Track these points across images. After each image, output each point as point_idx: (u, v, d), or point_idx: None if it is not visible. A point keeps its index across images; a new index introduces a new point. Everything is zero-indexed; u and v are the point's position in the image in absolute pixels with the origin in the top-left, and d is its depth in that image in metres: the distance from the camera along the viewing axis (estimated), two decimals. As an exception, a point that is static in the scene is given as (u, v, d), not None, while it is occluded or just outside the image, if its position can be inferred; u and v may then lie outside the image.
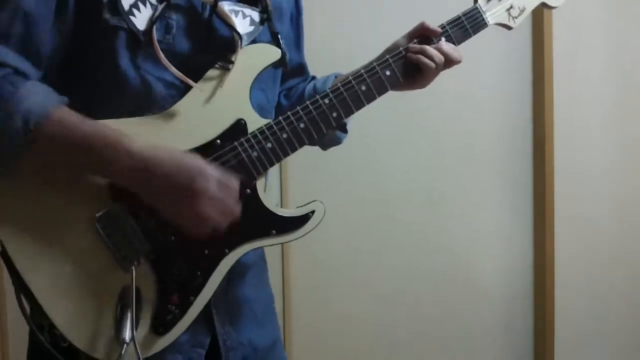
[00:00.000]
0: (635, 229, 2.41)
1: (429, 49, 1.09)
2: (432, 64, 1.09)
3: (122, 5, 0.96)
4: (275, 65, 1.06)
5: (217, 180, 0.92)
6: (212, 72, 1.00)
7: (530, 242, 2.30)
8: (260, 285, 1.18)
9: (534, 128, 2.26)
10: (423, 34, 1.12)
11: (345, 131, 1.25)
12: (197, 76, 0.99)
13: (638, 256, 2.42)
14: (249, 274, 1.13)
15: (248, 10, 1.06)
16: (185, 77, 0.97)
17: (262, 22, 1.07)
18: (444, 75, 2.31)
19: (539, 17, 2.20)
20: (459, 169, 2.20)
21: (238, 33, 1.01)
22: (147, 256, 0.96)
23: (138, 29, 0.96)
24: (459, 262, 2.22)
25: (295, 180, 1.97)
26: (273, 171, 1.94)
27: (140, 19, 0.97)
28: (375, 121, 2.05)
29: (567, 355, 2.32)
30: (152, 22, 0.96)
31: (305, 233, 1.05)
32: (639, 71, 2.37)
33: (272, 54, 1.04)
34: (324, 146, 1.28)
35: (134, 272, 0.94)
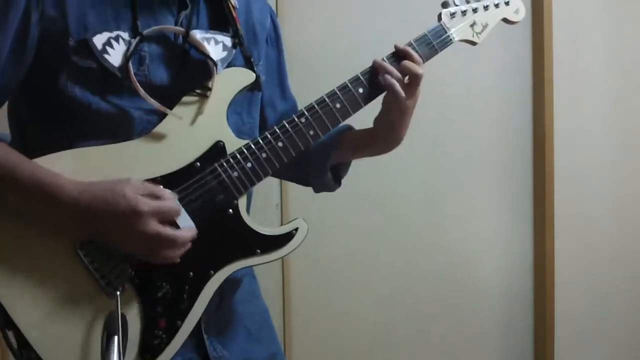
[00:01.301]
0: (635, 229, 2.41)
1: (387, 65, 1.09)
2: (392, 79, 1.08)
3: (95, 46, 0.96)
4: (250, 88, 1.08)
5: (152, 215, 0.92)
6: (189, 98, 1.02)
7: (530, 242, 2.30)
8: (251, 300, 1.18)
9: (534, 128, 2.26)
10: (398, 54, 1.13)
11: (339, 183, 1.27)
12: (175, 102, 1.01)
13: (638, 256, 2.42)
14: (238, 290, 1.13)
15: (220, 37, 1.08)
16: (165, 108, 0.98)
17: (234, 46, 1.09)
18: (444, 75, 2.32)
19: (539, 17, 2.20)
20: (459, 169, 2.19)
21: (212, 59, 1.03)
22: (131, 281, 0.96)
23: (113, 66, 0.97)
24: (459, 262, 2.22)
25: (295, 184, 1.97)
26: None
27: (115, 56, 0.97)
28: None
29: (567, 355, 2.32)
30: (127, 57, 0.97)
31: (290, 251, 1.06)
32: (639, 71, 2.37)
33: (246, 77, 1.06)
34: (318, 188, 1.28)
35: (118, 298, 0.93)
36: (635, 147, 2.39)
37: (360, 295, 2.11)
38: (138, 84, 0.96)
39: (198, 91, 1.02)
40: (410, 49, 1.10)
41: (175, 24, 1.03)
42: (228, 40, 1.08)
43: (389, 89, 1.08)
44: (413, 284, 2.17)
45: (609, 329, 2.40)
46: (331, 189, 1.27)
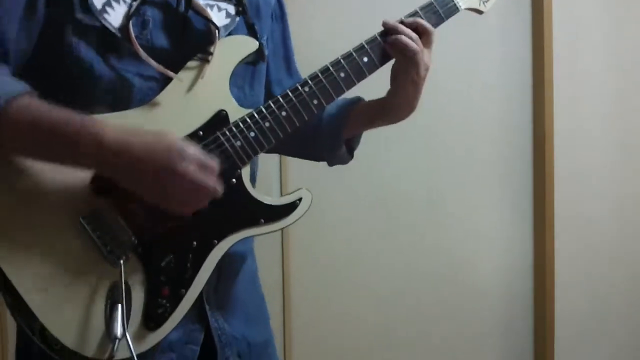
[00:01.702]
0: (635, 229, 2.41)
1: (401, 26, 1.09)
2: (409, 40, 1.08)
3: (94, 4, 0.95)
4: (253, 58, 1.07)
5: (196, 161, 0.90)
6: (191, 64, 1.00)
7: (530, 242, 2.30)
8: (251, 288, 1.18)
9: (534, 128, 2.26)
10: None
11: (352, 155, 1.28)
12: (176, 70, 0.99)
13: (638, 256, 2.42)
14: (240, 275, 1.13)
15: (223, 4, 1.07)
16: (165, 69, 0.97)
17: (237, 14, 1.08)
18: (445, 75, 2.32)
19: (539, 17, 2.20)
20: (459, 169, 2.19)
21: (215, 25, 1.01)
22: (134, 250, 0.95)
23: (113, 26, 0.96)
24: (459, 262, 2.22)
25: (295, 180, 1.97)
26: (273, 172, 1.96)
27: (115, 17, 0.96)
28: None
29: (567, 355, 2.32)
30: (127, 18, 0.96)
31: (293, 221, 1.04)
32: (639, 71, 2.37)
33: (249, 44, 1.04)
34: (332, 162, 1.29)
35: (122, 267, 0.93)
36: (635, 147, 2.39)
37: (360, 295, 2.11)
38: (138, 46, 0.95)
39: (200, 56, 1.00)
40: (401, 27, 1.10)
41: None
42: (231, 8, 1.07)
43: (403, 48, 1.07)
44: (413, 284, 2.17)
45: (609, 329, 2.40)
46: (345, 161, 1.28)
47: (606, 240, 2.38)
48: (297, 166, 1.95)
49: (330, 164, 1.30)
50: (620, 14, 2.34)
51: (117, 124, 0.91)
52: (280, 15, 1.23)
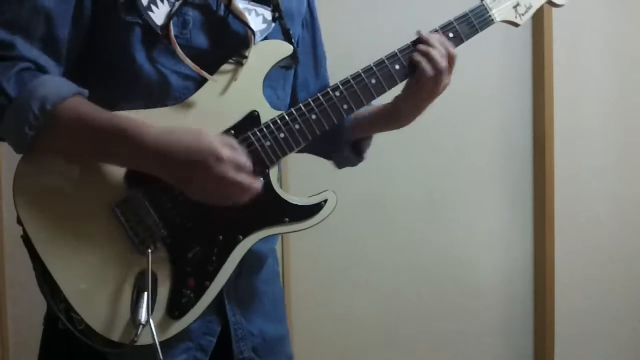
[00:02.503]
0: (635, 229, 2.41)
1: (434, 39, 1.11)
2: (439, 56, 1.09)
3: (140, 1, 0.99)
4: (287, 62, 1.10)
5: (231, 162, 0.94)
6: (227, 67, 1.03)
7: (530, 242, 2.30)
8: (271, 282, 1.21)
9: (534, 128, 2.27)
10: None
11: (361, 158, 1.29)
12: (212, 70, 1.02)
13: (638, 256, 2.42)
14: (261, 269, 1.16)
15: (260, 9, 1.09)
16: (200, 69, 1.00)
17: (273, 20, 1.10)
18: (444, 75, 2.29)
19: (539, 17, 2.20)
20: (459, 169, 2.20)
21: (251, 29, 1.04)
22: (163, 240, 0.99)
23: (156, 24, 0.99)
24: (459, 262, 2.22)
25: (295, 180, 1.97)
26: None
27: (158, 14, 0.99)
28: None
29: (567, 355, 2.32)
30: (169, 17, 0.99)
31: (318, 221, 1.09)
32: (639, 71, 2.37)
33: (284, 49, 1.07)
34: (339, 164, 1.32)
35: (149, 255, 0.96)
36: (635, 147, 2.39)
37: (361, 294, 2.11)
38: (177, 45, 0.98)
39: (235, 59, 1.04)
40: (433, 39, 1.11)
41: None
42: (268, 14, 1.10)
43: (432, 61, 1.09)
44: (413, 284, 2.17)
45: (609, 328, 2.40)
46: (353, 163, 1.30)
47: (606, 240, 2.38)
48: (298, 166, 1.96)
49: (338, 166, 1.33)
50: (620, 14, 2.34)
51: (158, 125, 0.94)
52: (311, 23, 1.26)
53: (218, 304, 1.06)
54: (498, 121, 2.24)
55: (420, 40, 1.11)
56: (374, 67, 1.09)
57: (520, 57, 2.25)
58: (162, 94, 1.01)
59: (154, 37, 0.99)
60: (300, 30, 1.22)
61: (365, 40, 2.00)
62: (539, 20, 2.21)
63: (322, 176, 2.04)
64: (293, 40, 1.12)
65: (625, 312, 2.42)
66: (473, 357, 2.26)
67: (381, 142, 2.10)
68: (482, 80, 2.21)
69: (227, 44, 1.04)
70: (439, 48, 1.10)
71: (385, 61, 1.10)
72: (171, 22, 0.99)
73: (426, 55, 1.09)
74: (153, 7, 1.00)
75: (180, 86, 1.01)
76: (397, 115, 1.18)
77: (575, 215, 2.31)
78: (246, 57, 1.03)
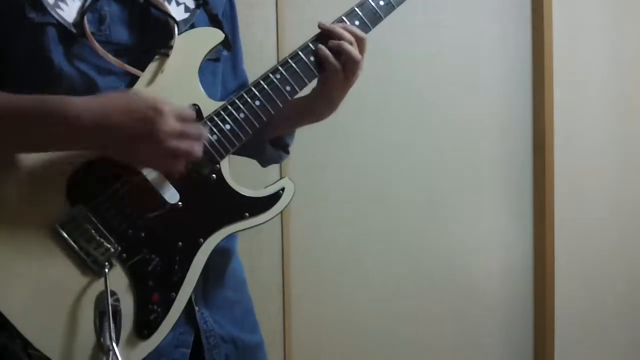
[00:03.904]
0: (635, 229, 2.41)
1: (340, 30, 1.06)
2: (351, 47, 1.04)
3: (47, 0, 0.92)
4: (217, 52, 1.05)
5: (172, 113, 0.88)
6: (155, 61, 0.98)
7: (530, 242, 2.30)
8: (240, 290, 1.16)
9: (534, 128, 2.26)
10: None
11: (287, 152, 1.22)
12: (140, 65, 0.97)
13: (638, 256, 2.42)
14: (228, 278, 1.12)
15: None
16: (125, 65, 0.95)
17: (197, 7, 1.06)
18: (445, 75, 2.32)
19: (539, 18, 2.20)
20: (459, 170, 2.19)
21: (173, 18, 1.00)
22: (118, 257, 0.93)
23: (68, 22, 0.93)
24: (459, 262, 2.22)
25: (296, 181, 1.97)
26: (273, 173, 1.96)
27: (69, 11, 0.94)
28: (375, 122, 2.05)
29: (567, 355, 2.32)
30: (82, 13, 0.93)
31: (278, 212, 1.02)
32: (639, 71, 2.37)
33: (215, 36, 1.02)
34: (264, 163, 1.25)
35: (107, 275, 0.90)
36: (635, 147, 2.39)
37: (361, 295, 2.11)
38: (95, 41, 0.93)
39: (162, 51, 0.98)
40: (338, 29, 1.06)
41: None
42: (190, 2, 1.05)
43: (346, 55, 1.03)
44: (413, 284, 2.17)
45: (609, 328, 2.40)
46: (278, 160, 1.23)
47: (606, 240, 2.38)
48: (298, 168, 1.95)
49: (263, 165, 1.25)
50: (620, 14, 2.34)
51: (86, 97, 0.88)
52: (230, 15, 1.19)
53: (188, 312, 1.01)
54: (498, 121, 2.24)
55: (325, 33, 1.06)
56: (310, 44, 1.05)
57: (521, 57, 2.24)
58: (89, 94, 0.93)
59: (70, 35, 0.93)
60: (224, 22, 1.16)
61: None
62: (539, 20, 2.20)
63: (322, 178, 2.05)
64: (222, 24, 1.07)
65: (625, 312, 2.42)
66: (473, 357, 2.26)
67: (381, 143, 2.12)
68: (482, 81, 2.20)
69: (151, 36, 0.99)
70: (346, 37, 1.05)
71: (300, 53, 1.05)
72: (85, 18, 0.93)
73: (337, 48, 1.04)
74: (61, 4, 0.93)
75: (108, 85, 0.95)
76: (314, 111, 1.13)
77: (575, 215, 2.31)
78: (171, 48, 0.98)
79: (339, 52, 1.04)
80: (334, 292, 2.09)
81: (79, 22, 0.93)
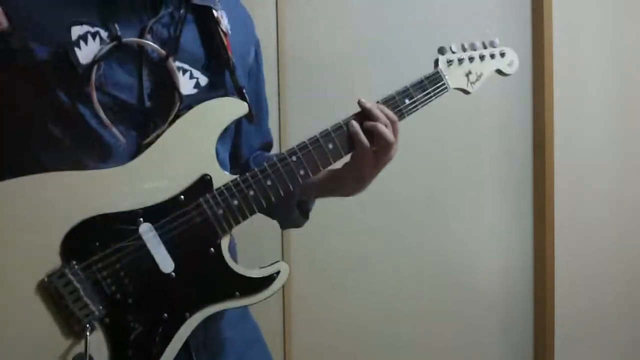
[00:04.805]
0: (635, 229, 2.41)
1: (377, 111, 1.07)
2: (386, 130, 1.06)
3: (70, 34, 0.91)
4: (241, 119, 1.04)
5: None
6: (161, 128, 0.96)
7: (530, 242, 2.30)
8: (239, 322, 1.14)
9: (534, 128, 2.27)
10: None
11: (307, 217, 1.22)
12: (143, 125, 0.96)
13: (638, 256, 2.42)
14: (225, 313, 1.08)
15: (197, 73, 1.02)
16: (111, 126, 0.93)
17: (210, 85, 1.03)
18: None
19: (539, 18, 2.20)
20: (459, 170, 2.19)
21: (179, 93, 0.97)
22: (101, 321, 0.91)
23: (80, 63, 0.91)
24: (459, 262, 2.22)
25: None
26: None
27: (84, 53, 0.92)
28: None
29: (567, 354, 2.32)
30: (94, 60, 0.92)
31: (270, 294, 1.00)
32: (639, 71, 2.37)
33: (238, 108, 1.02)
34: (284, 225, 1.24)
35: (87, 338, 0.88)
36: (635, 147, 2.39)
37: (361, 295, 2.11)
38: (94, 92, 0.91)
39: (169, 121, 0.96)
40: (378, 112, 1.07)
41: (142, 33, 0.96)
42: (203, 79, 1.03)
43: (379, 137, 1.05)
44: (413, 284, 2.17)
45: (609, 328, 2.41)
46: (299, 224, 1.23)
47: (606, 240, 2.38)
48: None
49: (283, 228, 1.25)
50: (620, 14, 2.34)
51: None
52: (257, 71, 1.19)
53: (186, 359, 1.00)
54: (498, 121, 2.24)
55: (363, 111, 1.07)
56: (331, 132, 1.05)
57: (521, 58, 2.24)
58: (104, 150, 0.93)
59: (74, 77, 0.91)
60: (246, 80, 1.15)
61: (365, 41, 2.00)
62: (539, 20, 2.20)
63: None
64: (245, 97, 1.05)
65: (625, 312, 2.42)
66: (473, 357, 2.26)
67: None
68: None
69: (157, 98, 0.97)
70: (382, 119, 1.06)
71: (344, 126, 1.06)
72: (95, 67, 0.91)
73: (372, 130, 1.05)
74: (82, 43, 0.91)
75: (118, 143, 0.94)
76: (343, 187, 1.13)
77: (575, 215, 2.31)
78: (166, 120, 0.96)
79: (371, 133, 1.05)
80: (334, 293, 2.08)
81: (88, 67, 0.92)
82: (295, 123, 1.93)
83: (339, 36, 2.02)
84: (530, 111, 2.26)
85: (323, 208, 2.04)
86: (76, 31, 0.92)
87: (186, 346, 0.97)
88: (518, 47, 2.24)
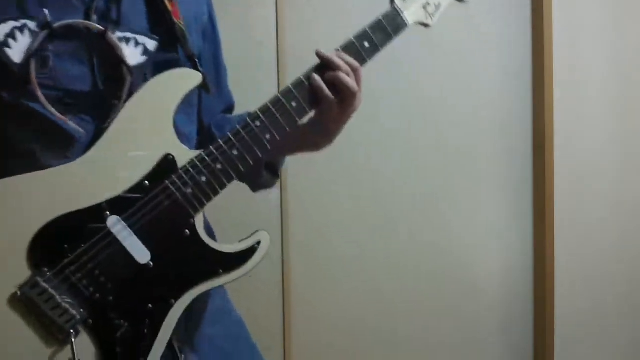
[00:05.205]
0: (635, 230, 2.41)
1: (338, 60, 1.02)
2: (349, 79, 1.00)
3: None
4: (196, 91, 1.00)
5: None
6: (122, 109, 0.91)
7: (530, 242, 2.30)
8: (221, 319, 1.11)
9: (534, 128, 2.26)
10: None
11: (277, 176, 1.18)
12: (99, 110, 0.91)
13: (638, 256, 2.42)
14: (206, 311, 1.07)
15: (142, 38, 0.96)
16: (64, 118, 0.88)
17: (162, 48, 0.98)
18: (446, 75, 2.31)
19: (539, 18, 2.20)
20: (459, 169, 2.20)
21: (128, 66, 0.93)
22: (84, 323, 0.88)
23: (13, 62, 0.86)
24: (458, 262, 2.22)
25: (296, 180, 1.97)
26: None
27: (17, 50, 0.87)
28: (375, 122, 2.05)
29: (567, 354, 2.32)
30: (29, 55, 0.87)
31: (253, 266, 0.97)
32: (639, 71, 2.37)
33: (192, 79, 0.96)
34: (255, 188, 1.19)
35: (73, 343, 0.85)
36: (635, 147, 2.39)
37: (361, 294, 2.11)
38: (38, 89, 0.86)
39: (116, 100, 0.91)
40: (337, 59, 1.01)
41: (88, 14, 0.91)
42: (151, 44, 0.97)
43: (344, 88, 1.00)
44: (413, 284, 2.17)
45: (609, 328, 2.40)
46: (270, 185, 1.19)
47: (606, 240, 2.38)
48: (297, 167, 1.96)
49: (254, 190, 1.21)
50: (620, 14, 2.34)
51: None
52: (212, 32, 1.14)
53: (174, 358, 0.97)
54: (498, 121, 2.24)
55: (323, 62, 1.02)
56: (292, 89, 0.99)
57: (521, 57, 2.24)
58: (63, 141, 0.88)
59: (12, 77, 0.86)
60: (200, 43, 1.09)
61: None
62: (539, 20, 2.20)
63: (322, 177, 2.05)
64: (199, 64, 1.01)
65: (625, 312, 2.42)
66: (473, 357, 2.26)
67: (382, 142, 2.11)
68: (482, 81, 2.20)
69: (105, 79, 0.92)
70: (344, 68, 1.00)
71: (304, 80, 1.00)
72: (32, 60, 0.85)
73: (334, 80, 1.00)
74: (10, 41, 0.86)
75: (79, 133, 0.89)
76: (310, 141, 1.09)
77: (575, 215, 2.31)
78: (122, 97, 0.91)
79: (334, 84, 1.00)
80: (334, 292, 2.09)
81: (24, 64, 0.86)
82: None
83: (339, 36, 2.02)
84: (530, 111, 2.26)
85: (323, 207, 2.05)
86: (1, 30, 0.87)
87: (170, 345, 0.94)
88: (518, 47, 2.26)
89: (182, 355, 0.99)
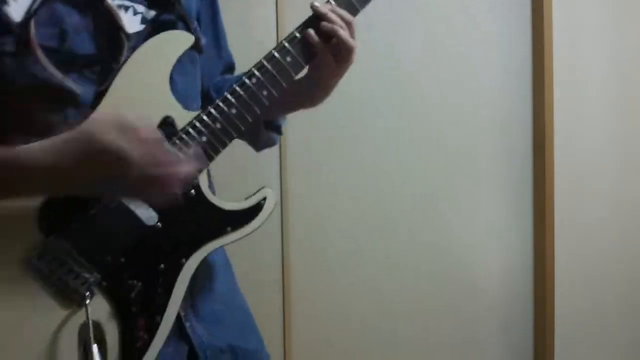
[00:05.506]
0: (635, 230, 2.41)
1: (333, 15, 0.99)
2: (347, 34, 0.99)
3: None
4: (190, 52, 1.00)
5: (136, 140, 0.80)
6: (120, 74, 0.91)
7: (530, 242, 2.30)
8: (229, 301, 1.12)
9: (534, 128, 2.27)
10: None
11: (280, 133, 1.18)
12: (106, 76, 0.91)
13: (638, 256, 2.42)
14: (214, 292, 1.08)
15: (140, 7, 0.97)
16: (66, 79, 0.87)
17: (159, 15, 0.98)
18: (445, 74, 2.32)
19: (539, 18, 2.20)
20: (459, 169, 2.20)
21: (125, 32, 0.93)
22: (99, 285, 0.90)
23: (13, 21, 0.84)
24: (458, 262, 2.22)
25: (296, 179, 1.97)
26: (272, 170, 1.96)
27: (16, 8, 0.85)
28: (375, 121, 2.05)
29: (567, 354, 2.32)
30: (28, 15, 0.85)
31: (261, 222, 0.98)
32: (639, 71, 2.37)
33: (184, 40, 0.97)
34: (258, 147, 1.20)
35: (87, 306, 0.87)
36: (635, 147, 2.39)
37: (361, 294, 2.11)
38: (38, 48, 0.84)
39: (115, 64, 0.91)
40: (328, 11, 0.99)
41: None
42: (150, 13, 0.97)
43: (341, 42, 0.98)
44: (413, 284, 2.17)
45: (609, 328, 2.40)
46: (272, 143, 1.19)
47: (606, 240, 2.38)
48: (297, 167, 1.96)
49: (257, 150, 1.20)
50: (620, 14, 2.34)
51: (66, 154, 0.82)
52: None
53: (179, 329, 0.98)
54: (498, 121, 2.24)
55: (317, 15, 0.99)
56: (286, 44, 0.99)
57: (521, 57, 2.25)
58: (69, 103, 0.87)
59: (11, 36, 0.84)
60: (197, 5, 1.08)
61: (365, 41, 2.00)
62: (539, 20, 2.20)
63: (322, 176, 2.05)
64: (191, 25, 1.00)
65: (625, 312, 2.42)
66: (473, 357, 2.26)
67: (382, 142, 2.12)
68: (482, 80, 2.21)
69: (105, 44, 0.92)
70: (339, 23, 0.99)
71: (297, 35, 0.99)
72: (32, 20, 0.84)
73: (330, 32, 0.98)
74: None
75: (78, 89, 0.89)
76: (307, 96, 1.08)
77: (575, 215, 2.31)
78: (121, 62, 0.91)
79: (329, 38, 0.99)
80: (334, 292, 2.09)
81: (24, 23, 0.85)
82: (296, 122, 1.93)
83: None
84: (530, 111, 2.26)
85: (323, 207, 2.05)
86: None
87: (177, 318, 0.96)
88: (518, 46, 2.26)
89: (188, 323, 1.01)
